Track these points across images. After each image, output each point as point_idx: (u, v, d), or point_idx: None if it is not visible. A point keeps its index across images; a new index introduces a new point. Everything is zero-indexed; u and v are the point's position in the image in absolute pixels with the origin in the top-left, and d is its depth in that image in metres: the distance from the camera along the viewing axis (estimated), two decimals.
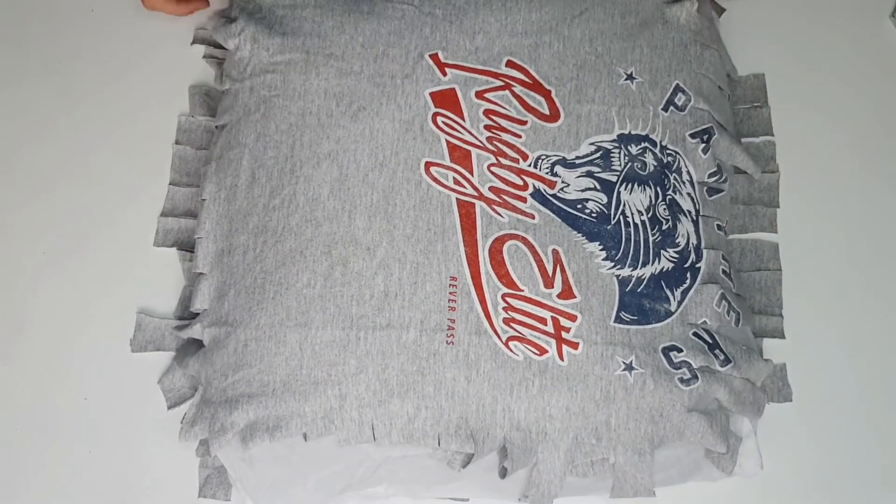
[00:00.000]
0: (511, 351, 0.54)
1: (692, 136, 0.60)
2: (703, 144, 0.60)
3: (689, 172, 0.60)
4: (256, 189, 0.58)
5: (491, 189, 0.58)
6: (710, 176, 0.60)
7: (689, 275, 0.57)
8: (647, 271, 0.56)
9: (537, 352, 0.54)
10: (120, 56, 0.70)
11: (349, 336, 0.53)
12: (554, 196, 0.58)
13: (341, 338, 0.53)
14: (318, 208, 0.56)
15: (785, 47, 0.68)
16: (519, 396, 0.53)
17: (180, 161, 0.65)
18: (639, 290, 0.56)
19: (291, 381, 0.53)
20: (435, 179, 0.57)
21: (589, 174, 0.59)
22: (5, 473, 0.58)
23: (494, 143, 0.59)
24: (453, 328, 0.54)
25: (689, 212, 0.59)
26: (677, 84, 0.61)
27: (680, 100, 0.60)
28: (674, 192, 0.59)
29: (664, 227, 0.58)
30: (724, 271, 0.58)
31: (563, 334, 0.54)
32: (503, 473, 0.53)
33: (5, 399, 0.60)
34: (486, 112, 0.60)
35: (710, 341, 0.55)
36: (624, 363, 0.53)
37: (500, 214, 0.57)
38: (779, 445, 0.58)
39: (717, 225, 0.60)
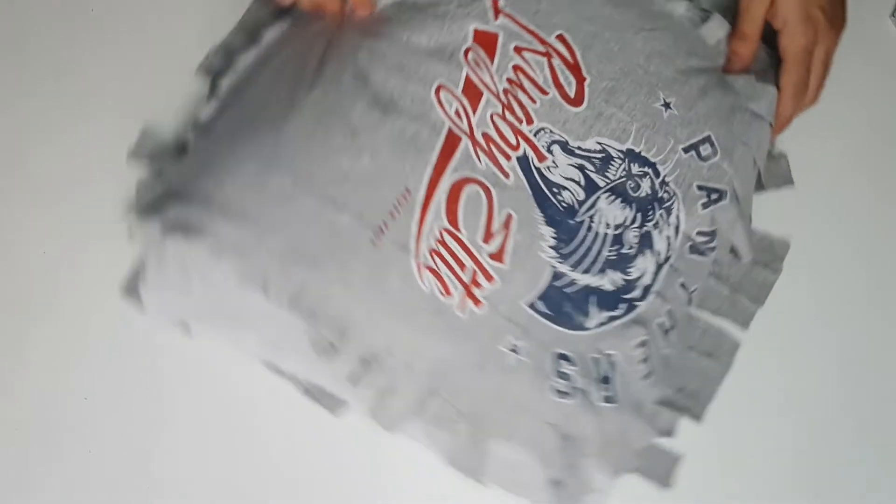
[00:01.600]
0: (421, 279, 0.54)
1: (700, 187, 0.58)
2: (707, 201, 0.58)
3: (678, 218, 0.58)
4: None
5: (484, 135, 0.57)
6: (698, 234, 0.58)
7: (623, 306, 0.56)
8: (585, 280, 0.56)
9: (443, 292, 0.54)
10: (120, 56, 0.70)
11: (294, 189, 0.54)
12: (538, 169, 0.57)
13: (285, 187, 0.54)
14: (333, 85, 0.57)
15: None
16: (406, 322, 0.53)
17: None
18: (567, 290, 0.55)
19: (228, 203, 0.54)
20: (440, 102, 0.57)
21: (581, 168, 0.58)
22: (5, 473, 0.58)
23: (509, 96, 0.59)
24: (383, 233, 0.54)
25: (659, 253, 0.57)
26: (709, 135, 0.59)
27: (706, 150, 0.59)
28: (654, 226, 0.57)
29: (624, 250, 0.57)
30: (661, 325, 0.57)
31: (474, 289, 0.54)
32: (354, 380, 0.54)
33: (5, 399, 0.60)
34: (515, 67, 0.59)
35: (606, 375, 0.54)
36: (513, 344, 0.54)
37: (478, 159, 0.57)
38: None
39: (682, 284, 0.58)
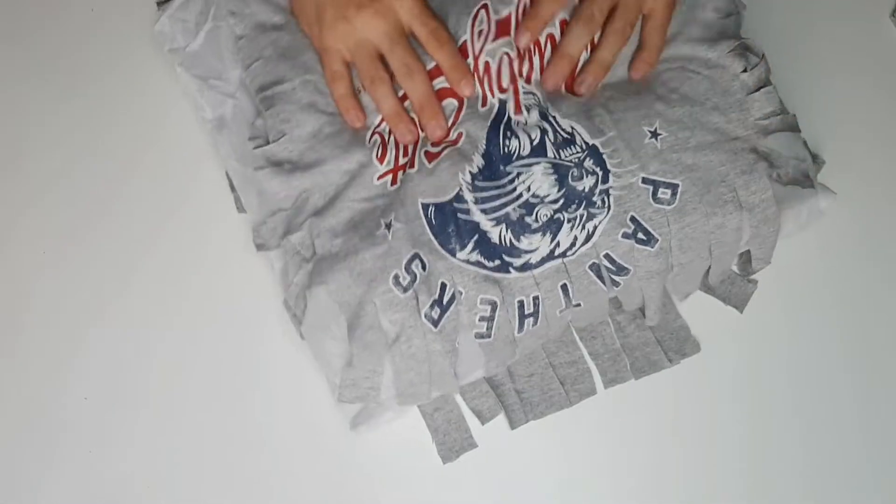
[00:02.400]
0: (370, 137, 0.59)
1: (633, 219, 0.57)
2: (630, 233, 0.57)
3: (595, 228, 0.57)
4: None
5: (485, 64, 0.60)
6: (606, 257, 0.56)
7: (496, 262, 0.56)
8: (479, 218, 0.56)
9: (378, 157, 0.59)
10: (120, 55, 0.70)
11: None
12: (509, 117, 0.59)
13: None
14: None
15: (784, 46, 0.67)
16: (336, 150, 0.58)
17: None
18: (460, 215, 0.56)
19: None
20: (474, 17, 0.60)
21: (543, 132, 0.59)
22: (5, 473, 0.58)
23: (528, 51, 0.60)
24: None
25: (558, 244, 0.56)
26: (678, 185, 0.57)
27: (664, 194, 0.57)
28: (568, 219, 0.56)
29: (529, 219, 0.56)
30: (520, 304, 0.56)
31: (399, 172, 0.59)
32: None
33: (5, 399, 0.60)
34: (550, 35, 0.61)
35: (445, 301, 0.55)
36: (392, 222, 0.56)
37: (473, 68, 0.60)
38: None
39: (564, 287, 0.56)
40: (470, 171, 0.57)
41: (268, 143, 0.59)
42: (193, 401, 0.60)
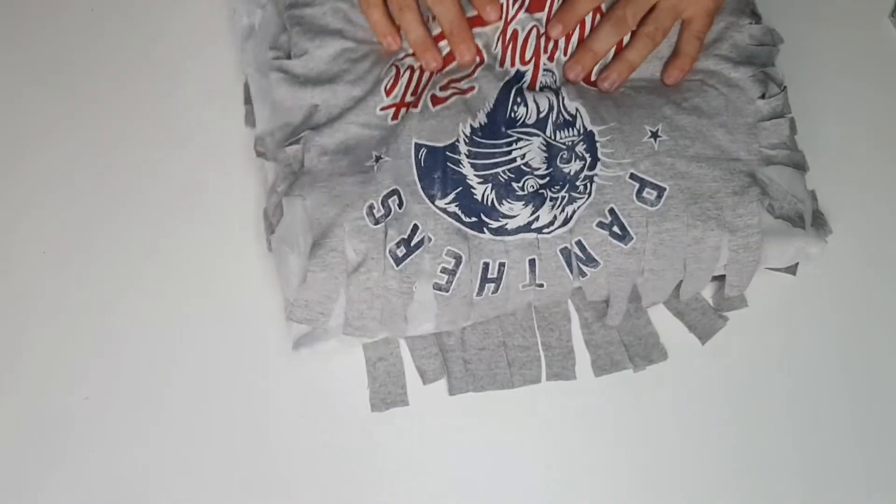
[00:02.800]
0: (385, 67, 0.60)
1: (612, 212, 0.57)
2: (606, 225, 0.57)
3: (574, 213, 0.57)
4: None
5: (513, 32, 0.62)
6: (577, 245, 0.57)
7: (472, 220, 0.56)
8: (467, 172, 0.57)
9: (388, 89, 0.60)
10: (120, 55, 0.70)
11: None
12: (520, 88, 0.60)
13: None
14: None
15: (784, 46, 0.67)
16: (344, 77, 0.60)
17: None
18: (449, 164, 0.57)
19: None
20: None
21: (550, 108, 0.60)
22: (6, 473, 0.58)
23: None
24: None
25: (538, 217, 0.57)
26: (665, 189, 0.57)
27: (649, 194, 0.57)
28: (550, 197, 0.57)
29: (515, 185, 0.57)
30: (484, 267, 0.56)
31: (402, 108, 0.59)
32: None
33: (5, 399, 0.60)
34: (581, 22, 0.62)
35: (412, 244, 0.56)
36: (382, 155, 0.57)
37: (495, 44, 0.61)
38: None
39: (531, 262, 0.56)
40: (471, 125, 0.58)
41: (289, 57, 0.61)
42: (194, 401, 0.60)
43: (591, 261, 0.57)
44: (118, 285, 0.63)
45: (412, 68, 0.61)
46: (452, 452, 0.59)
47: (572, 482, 0.59)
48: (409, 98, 0.60)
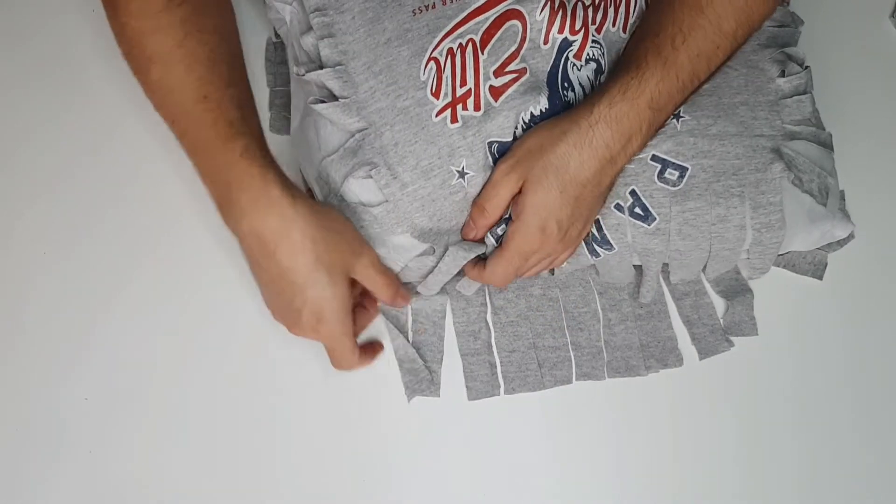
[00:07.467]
0: (425, 66, 0.56)
1: (633, 194, 0.57)
2: (626, 207, 0.57)
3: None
4: None
5: (562, 1, 0.58)
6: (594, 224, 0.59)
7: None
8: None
9: (433, 90, 0.56)
10: (121, 56, 0.70)
11: None
12: (567, 59, 0.58)
13: None
14: None
15: None
16: (389, 82, 0.56)
17: None
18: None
19: None
20: None
21: (591, 87, 0.58)
22: (6, 473, 0.58)
23: (606, 3, 0.59)
24: (427, 10, 0.57)
25: None
26: (688, 168, 0.57)
27: (671, 174, 0.57)
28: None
29: None
30: None
31: (459, 107, 0.56)
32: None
33: (5, 399, 0.60)
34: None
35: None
36: (464, 169, 0.56)
37: (540, 11, 0.57)
38: None
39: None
40: (532, 112, 0.57)
41: (321, 67, 0.58)
42: (193, 401, 0.60)
43: (605, 242, 0.58)
44: (118, 285, 0.63)
45: (451, 51, 0.57)
46: (453, 452, 0.60)
47: (574, 482, 0.59)
48: (459, 91, 0.57)
